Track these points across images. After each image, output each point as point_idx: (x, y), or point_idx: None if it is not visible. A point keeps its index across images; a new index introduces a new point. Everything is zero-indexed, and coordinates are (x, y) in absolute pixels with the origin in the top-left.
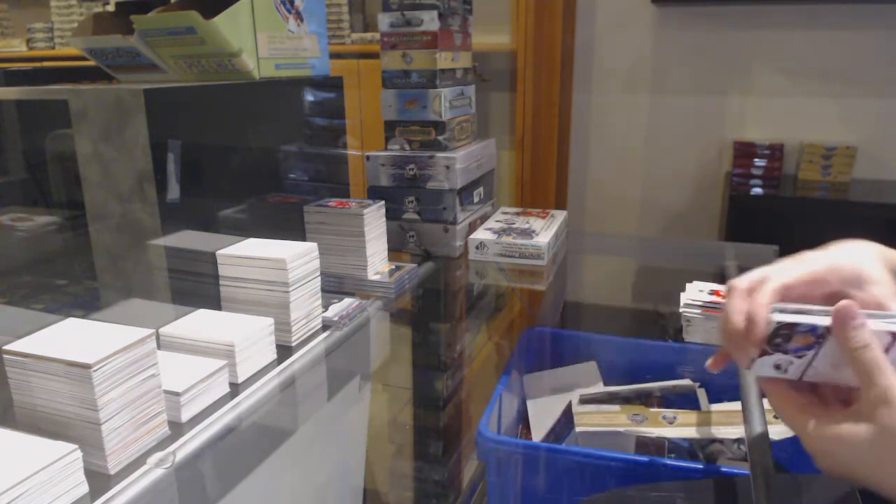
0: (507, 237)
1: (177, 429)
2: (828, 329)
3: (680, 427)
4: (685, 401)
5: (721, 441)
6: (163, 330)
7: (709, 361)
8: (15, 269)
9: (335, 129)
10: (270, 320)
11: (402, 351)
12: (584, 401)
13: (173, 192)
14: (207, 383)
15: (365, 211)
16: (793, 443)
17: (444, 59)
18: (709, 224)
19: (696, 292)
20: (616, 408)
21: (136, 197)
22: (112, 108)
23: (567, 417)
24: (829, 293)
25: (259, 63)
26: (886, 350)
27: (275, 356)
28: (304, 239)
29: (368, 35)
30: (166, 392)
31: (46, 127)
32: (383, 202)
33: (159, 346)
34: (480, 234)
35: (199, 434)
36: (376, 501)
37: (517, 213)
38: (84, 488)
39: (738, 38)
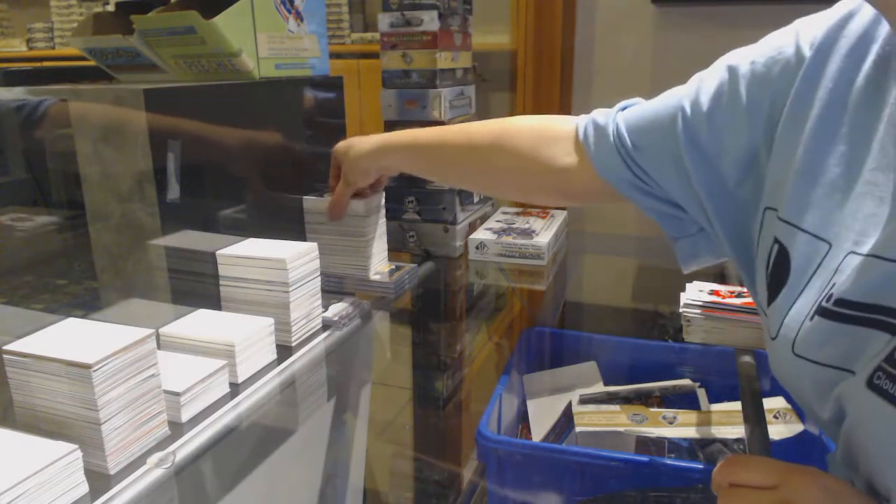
0: (507, 237)
1: (177, 429)
2: None
3: (680, 427)
4: (685, 401)
5: (721, 441)
6: (163, 330)
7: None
8: (15, 269)
9: (335, 128)
10: (270, 320)
11: (402, 351)
12: (584, 401)
13: (173, 192)
14: (207, 383)
15: (365, 211)
16: (793, 443)
17: (444, 59)
18: None
19: (696, 292)
20: (616, 408)
21: (136, 197)
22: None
23: (567, 417)
24: None
25: (259, 63)
26: None
27: (275, 356)
28: (304, 239)
29: (368, 35)
30: (166, 392)
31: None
32: (383, 192)
33: (159, 346)
34: (480, 234)
35: (199, 434)
36: (376, 501)
37: (517, 213)
38: (84, 488)
39: (739, 39)
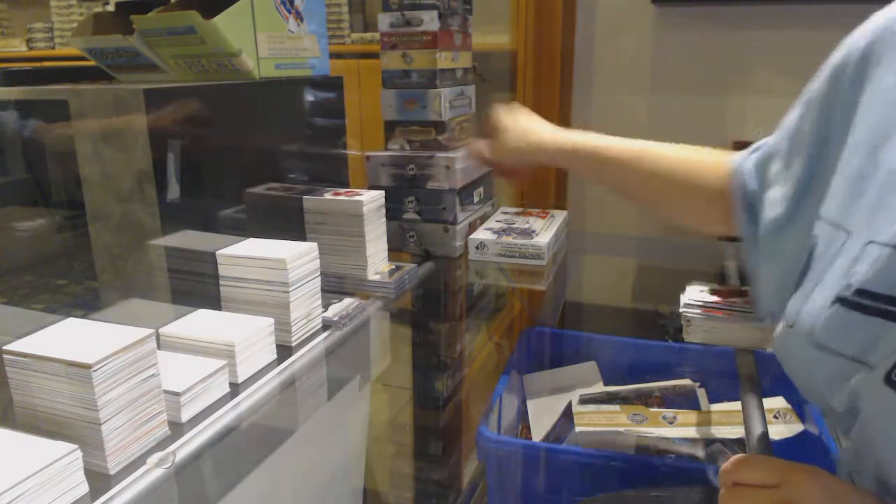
0: (508, 237)
1: (177, 429)
2: None
3: (680, 427)
4: (685, 401)
5: (721, 441)
6: (163, 330)
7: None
8: (15, 269)
9: (335, 128)
10: (270, 320)
11: (402, 351)
12: (584, 401)
13: (173, 192)
14: (207, 383)
15: (365, 211)
16: (793, 443)
17: (444, 59)
18: None
19: (696, 292)
20: (616, 408)
21: (136, 197)
22: (112, 108)
23: (567, 417)
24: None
25: (259, 63)
26: None
27: (275, 356)
28: (304, 239)
29: (368, 35)
30: (166, 392)
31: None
32: (383, 192)
33: (159, 346)
34: (480, 234)
35: (199, 434)
36: (376, 501)
37: (517, 213)
38: (84, 488)
39: (738, 38)
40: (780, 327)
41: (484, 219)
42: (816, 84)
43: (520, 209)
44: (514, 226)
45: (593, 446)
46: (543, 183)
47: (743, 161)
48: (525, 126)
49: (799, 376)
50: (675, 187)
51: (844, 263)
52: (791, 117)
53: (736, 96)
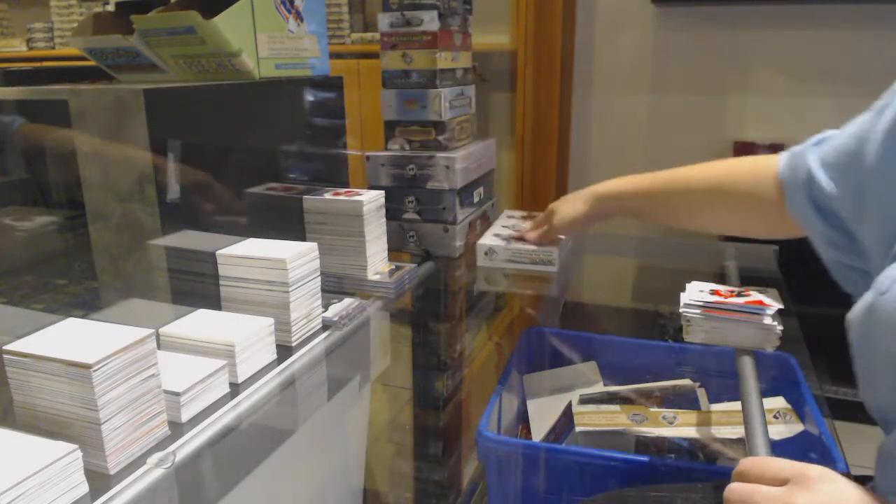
0: (518, 243)
1: (177, 429)
2: None
3: (680, 427)
4: (685, 401)
5: (721, 441)
6: (163, 330)
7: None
8: (15, 269)
9: (335, 128)
10: (270, 320)
11: (402, 351)
12: (584, 401)
13: (173, 192)
14: (207, 383)
15: (365, 211)
16: (793, 443)
17: (444, 59)
18: None
19: (696, 292)
20: (616, 408)
21: (136, 197)
22: (112, 108)
23: (567, 417)
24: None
25: (259, 63)
26: None
27: (275, 356)
28: (304, 239)
29: (368, 35)
30: (166, 392)
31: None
32: (383, 192)
33: (159, 346)
34: (489, 240)
35: (199, 434)
36: (376, 501)
37: (523, 217)
38: (84, 488)
39: (738, 38)
40: (867, 298)
41: (484, 219)
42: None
43: (525, 213)
44: (521, 231)
45: (593, 446)
46: (544, 183)
47: (802, 151)
48: (573, 197)
49: (888, 351)
50: (729, 198)
51: None
52: (863, 119)
53: (736, 96)
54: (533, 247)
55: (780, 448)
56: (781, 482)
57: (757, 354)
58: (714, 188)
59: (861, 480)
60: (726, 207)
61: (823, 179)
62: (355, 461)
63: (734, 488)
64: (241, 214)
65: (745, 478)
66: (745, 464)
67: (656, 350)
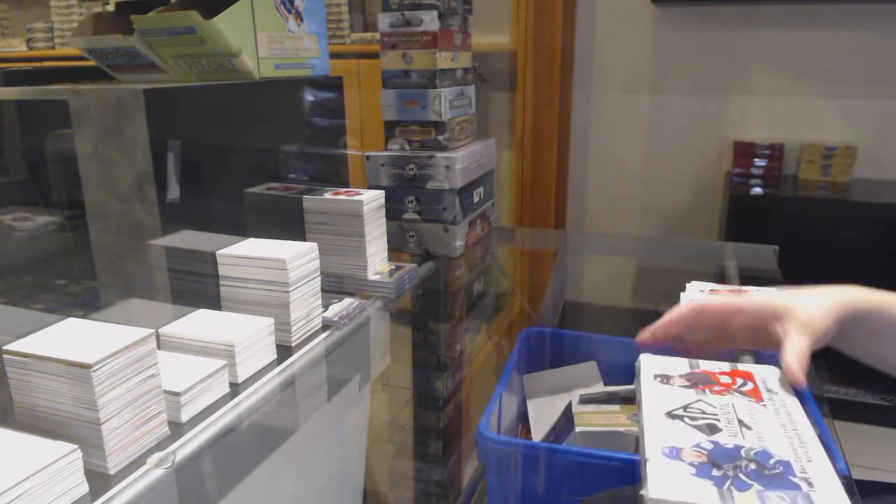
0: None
1: (177, 429)
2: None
3: None
4: None
5: None
6: (163, 330)
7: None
8: (15, 269)
9: (335, 128)
10: (270, 320)
11: (402, 351)
12: (584, 401)
13: (173, 192)
14: (207, 383)
15: (365, 211)
16: None
17: (444, 59)
18: (709, 224)
19: (696, 292)
20: (616, 408)
21: (136, 197)
22: (112, 108)
23: (567, 417)
24: (749, 324)
25: (259, 63)
26: None
27: (275, 356)
28: (304, 239)
29: (368, 35)
30: (166, 392)
31: (46, 127)
32: (383, 192)
33: (159, 346)
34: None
35: (199, 434)
36: (376, 501)
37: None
38: (84, 488)
39: (738, 38)
40: None
41: (484, 219)
42: None
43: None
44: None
45: (593, 446)
46: (543, 183)
47: None
48: (806, 305)
49: None
50: None
51: None
52: None
53: (735, 96)
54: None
55: None
56: None
57: (757, 354)
58: None
59: (861, 480)
60: None
61: None
62: (355, 461)
63: None
64: (241, 214)
65: None
66: None
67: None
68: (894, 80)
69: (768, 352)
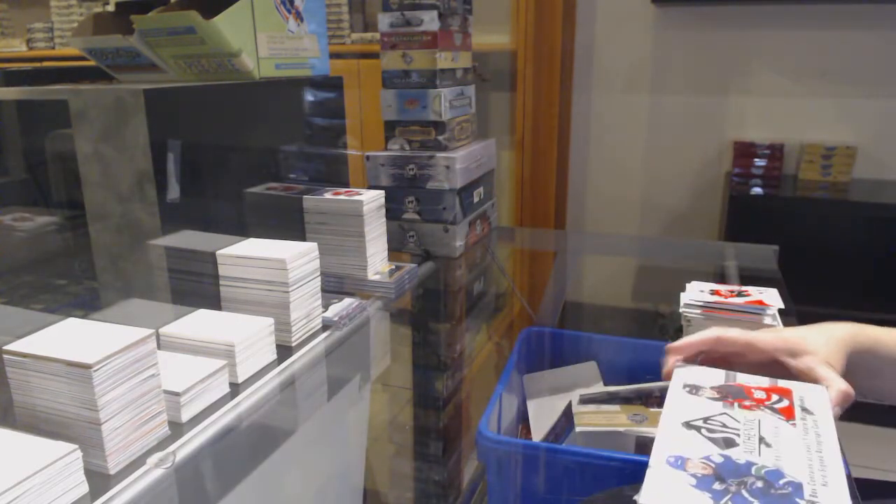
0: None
1: (177, 429)
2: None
3: None
4: None
5: None
6: (163, 330)
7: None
8: (15, 269)
9: (335, 128)
10: (270, 320)
11: (402, 351)
12: (584, 401)
13: (173, 192)
14: (207, 383)
15: (365, 211)
16: None
17: (444, 59)
18: (709, 224)
19: (696, 292)
20: (616, 408)
21: (136, 197)
22: (112, 108)
23: (567, 417)
24: (766, 360)
25: (259, 63)
26: None
27: (275, 356)
28: (304, 239)
29: (368, 35)
30: (166, 392)
31: (46, 127)
32: (383, 192)
33: (159, 346)
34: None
35: (199, 434)
36: (376, 501)
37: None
38: (84, 488)
39: (738, 38)
40: None
41: (484, 219)
42: None
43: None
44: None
45: (593, 446)
46: (543, 183)
47: None
48: (812, 342)
49: None
50: None
51: None
52: None
53: (735, 96)
54: None
55: None
56: None
57: None
58: None
59: (861, 481)
60: None
61: None
62: (355, 461)
63: None
64: (240, 214)
65: None
66: None
67: (656, 350)
68: (894, 80)
69: None
